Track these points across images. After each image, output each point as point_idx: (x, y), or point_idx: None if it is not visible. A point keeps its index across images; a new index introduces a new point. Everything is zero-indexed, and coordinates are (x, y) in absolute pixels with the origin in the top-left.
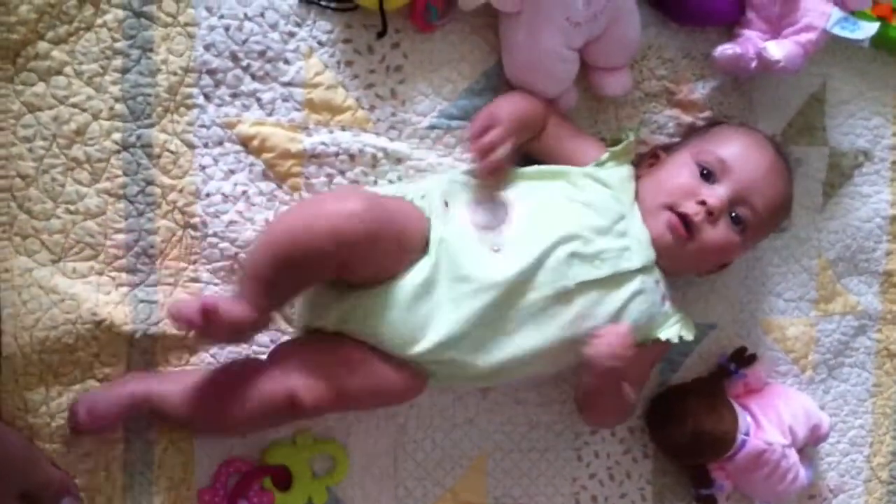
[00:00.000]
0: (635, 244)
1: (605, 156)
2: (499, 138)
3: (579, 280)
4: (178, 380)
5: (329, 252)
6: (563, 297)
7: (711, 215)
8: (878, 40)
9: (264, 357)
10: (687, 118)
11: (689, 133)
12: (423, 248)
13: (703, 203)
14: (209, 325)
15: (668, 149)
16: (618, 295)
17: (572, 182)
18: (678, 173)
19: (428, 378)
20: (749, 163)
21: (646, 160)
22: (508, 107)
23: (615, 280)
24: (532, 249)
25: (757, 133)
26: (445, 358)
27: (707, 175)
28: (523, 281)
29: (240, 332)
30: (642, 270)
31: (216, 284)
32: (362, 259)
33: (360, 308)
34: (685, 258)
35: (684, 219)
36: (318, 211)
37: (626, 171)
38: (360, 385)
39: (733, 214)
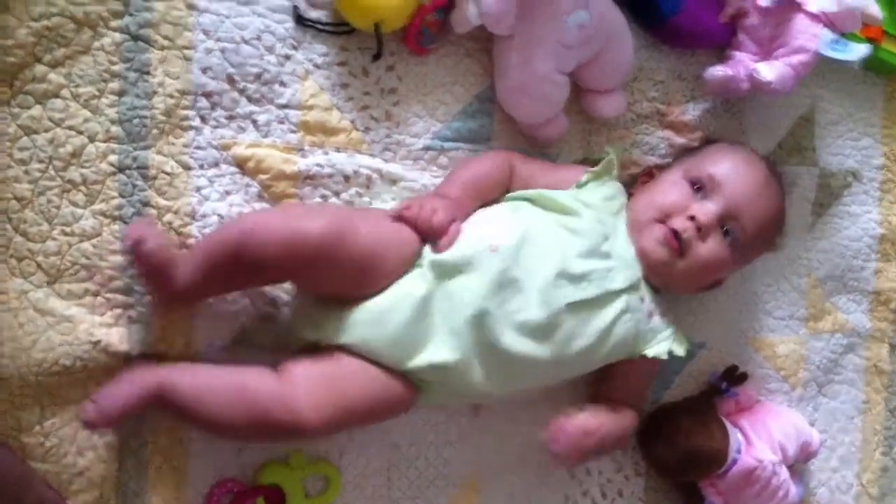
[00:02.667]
0: (619, 264)
1: (586, 177)
2: (446, 220)
3: (568, 301)
4: (189, 374)
5: (275, 261)
6: (552, 318)
7: (700, 231)
8: (867, 61)
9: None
10: (679, 139)
11: (683, 153)
12: (408, 266)
13: (692, 218)
14: (137, 254)
15: (663, 168)
16: (604, 314)
17: (556, 207)
18: (669, 189)
19: (418, 391)
20: (739, 179)
21: (640, 179)
22: (462, 178)
23: (601, 300)
24: (522, 265)
25: (749, 151)
26: (439, 376)
27: (698, 191)
28: (508, 291)
29: (160, 287)
30: (627, 290)
31: (211, 304)
32: (314, 277)
33: (357, 323)
34: (676, 275)
35: (674, 233)
36: (282, 218)
37: (610, 188)
38: (362, 395)
39: (724, 230)
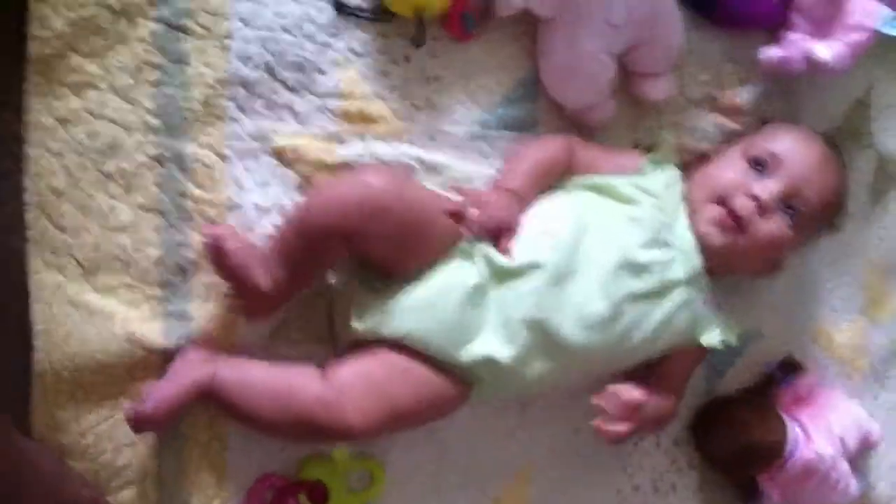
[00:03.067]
0: (679, 255)
1: (646, 163)
2: (504, 221)
3: (628, 292)
4: (237, 371)
5: (338, 218)
6: (612, 309)
7: (761, 209)
8: None
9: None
10: (731, 124)
11: (736, 136)
12: (455, 241)
13: (754, 197)
14: (217, 260)
15: (719, 152)
16: (664, 305)
17: (616, 196)
18: (727, 168)
19: (472, 386)
20: (800, 155)
21: (696, 163)
22: (523, 166)
23: (661, 291)
24: (581, 256)
25: (806, 127)
26: (492, 370)
27: (758, 169)
28: (565, 284)
29: (245, 290)
30: (687, 280)
31: None
32: (380, 235)
33: (405, 312)
34: (736, 253)
35: (732, 213)
36: (340, 182)
37: (668, 175)
38: (410, 397)
39: (787, 207)
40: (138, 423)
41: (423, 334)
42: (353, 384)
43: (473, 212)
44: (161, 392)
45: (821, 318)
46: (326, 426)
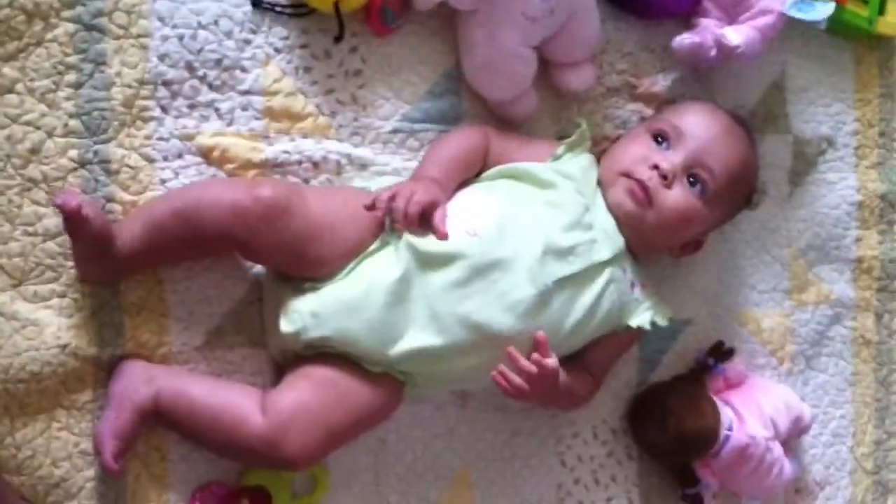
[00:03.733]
0: (601, 235)
1: (561, 149)
2: (425, 202)
3: (556, 277)
4: (178, 386)
5: (220, 226)
6: (542, 295)
7: (665, 179)
8: (833, 25)
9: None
10: (650, 111)
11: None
12: (369, 242)
13: (655, 167)
14: (74, 221)
15: None
16: (592, 288)
17: (534, 181)
18: (631, 143)
19: (405, 386)
20: (702, 126)
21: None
22: (440, 157)
23: (587, 274)
24: (507, 244)
25: (711, 103)
26: (424, 364)
27: (661, 142)
28: (495, 271)
29: (97, 256)
30: (612, 261)
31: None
32: (259, 247)
33: (331, 314)
34: (650, 229)
35: (639, 183)
36: (230, 184)
37: (584, 159)
38: (347, 418)
39: (690, 179)
40: (107, 471)
41: (350, 336)
42: (292, 419)
43: (398, 204)
44: (110, 429)
45: (748, 303)
46: (268, 460)
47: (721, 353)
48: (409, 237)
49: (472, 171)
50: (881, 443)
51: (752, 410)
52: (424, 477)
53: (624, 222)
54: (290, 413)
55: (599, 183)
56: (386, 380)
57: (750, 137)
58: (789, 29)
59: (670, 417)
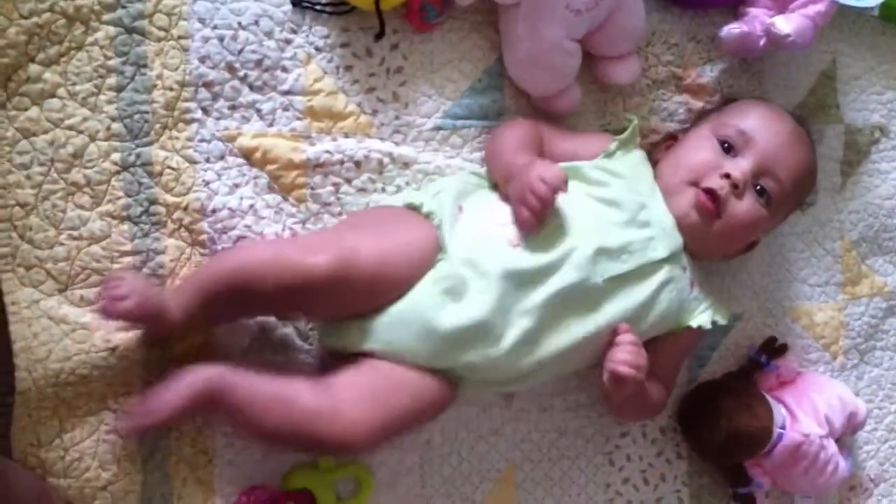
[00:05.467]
0: (659, 232)
1: (613, 145)
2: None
3: (607, 276)
4: (240, 378)
5: (279, 301)
6: (593, 293)
7: (737, 188)
8: (885, 12)
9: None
10: (697, 103)
11: (704, 114)
12: (424, 270)
13: (727, 176)
14: (119, 314)
15: (686, 132)
16: (646, 286)
17: (585, 179)
18: (698, 148)
19: (458, 386)
20: (770, 132)
21: (662, 144)
22: (510, 148)
23: (643, 272)
24: (556, 246)
25: (774, 104)
26: (475, 357)
27: (728, 148)
28: (544, 276)
29: (155, 328)
30: (669, 259)
31: None
32: (323, 306)
33: (380, 328)
34: (713, 237)
35: (710, 194)
36: (283, 258)
37: (636, 156)
38: (406, 403)
39: (758, 187)
40: (139, 422)
41: (400, 348)
42: (353, 396)
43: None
44: (160, 393)
45: (800, 298)
46: (326, 438)
47: (773, 349)
48: (451, 257)
49: (538, 155)
50: None
51: (805, 408)
52: (470, 478)
53: (686, 229)
54: (348, 391)
55: (657, 180)
56: (440, 376)
57: (811, 140)
58: (840, 16)
59: (722, 417)
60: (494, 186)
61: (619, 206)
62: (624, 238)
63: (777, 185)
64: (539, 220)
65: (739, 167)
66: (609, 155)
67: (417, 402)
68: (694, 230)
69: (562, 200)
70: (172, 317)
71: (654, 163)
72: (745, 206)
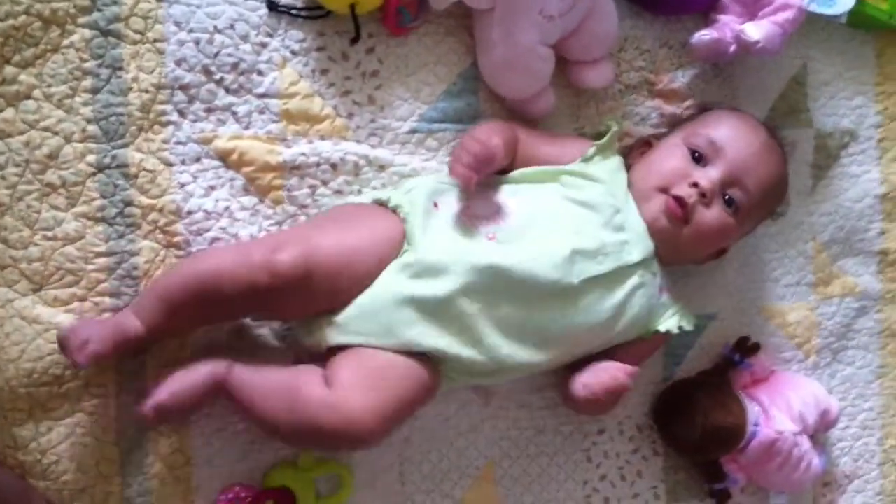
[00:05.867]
0: (633, 237)
1: (591, 150)
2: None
3: (584, 277)
4: (252, 370)
5: (243, 300)
6: (568, 293)
7: (704, 197)
8: (854, 18)
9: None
10: (669, 108)
11: (677, 122)
12: (395, 253)
13: (695, 185)
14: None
15: (660, 137)
16: (620, 290)
17: (563, 182)
18: (669, 156)
19: (440, 372)
20: (740, 144)
21: (637, 149)
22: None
23: (617, 275)
24: (531, 244)
25: (748, 115)
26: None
27: (698, 158)
28: (520, 273)
29: (128, 349)
30: (642, 263)
31: None
32: (290, 304)
33: (349, 321)
34: (682, 244)
35: (678, 201)
36: (242, 257)
37: (614, 162)
38: (405, 386)
39: (726, 196)
40: (156, 413)
41: (371, 338)
42: (354, 384)
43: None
44: (177, 380)
45: (773, 297)
46: (336, 428)
47: (746, 347)
48: (418, 246)
49: (506, 160)
50: None
51: (779, 405)
52: (449, 475)
53: (656, 235)
54: (350, 379)
55: (630, 185)
56: (421, 359)
57: (784, 153)
58: (809, 23)
59: (696, 414)
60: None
61: (595, 209)
62: (600, 240)
63: (745, 195)
64: (470, 172)
65: (708, 176)
66: (587, 160)
67: (411, 384)
68: (664, 235)
69: (540, 202)
70: (138, 333)
71: (628, 167)
72: (712, 215)
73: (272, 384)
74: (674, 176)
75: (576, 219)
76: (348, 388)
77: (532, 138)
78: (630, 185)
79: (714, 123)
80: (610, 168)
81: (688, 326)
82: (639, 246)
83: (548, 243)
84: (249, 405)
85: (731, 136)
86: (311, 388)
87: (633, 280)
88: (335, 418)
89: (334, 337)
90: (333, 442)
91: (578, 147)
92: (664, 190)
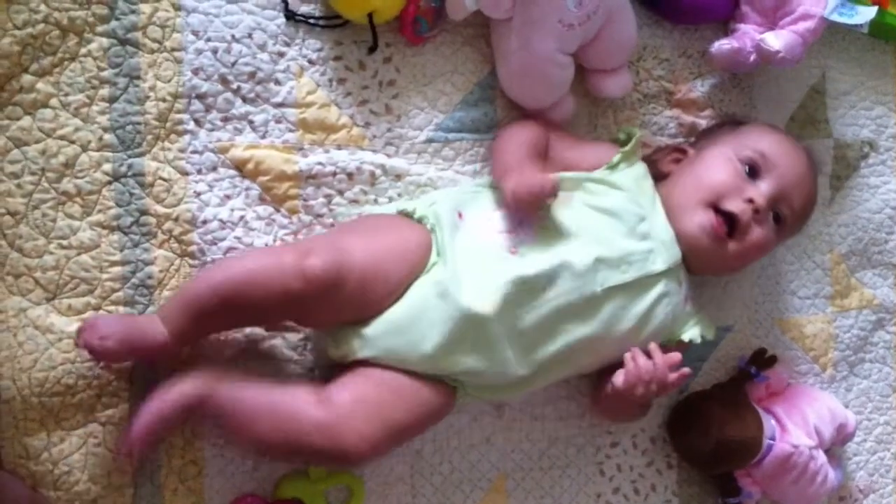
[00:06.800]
0: (659, 246)
1: (617, 157)
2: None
3: (607, 285)
4: (234, 390)
5: (273, 307)
6: (591, 302)
7: (758, 213)
8: (874, 28)
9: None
10: (688, 118)
11: (708, 133)
12: (423, 264)
13: (750, 201)
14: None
15: (695, 145)
16: (644, 299)
17: (587, 189)
18: (719, 169)
19: (455, 393)
20: (789, 159)
21: (665, 156)
22: (515, 152)
23: (641, 284)
24: (554, 254)
25: (788, 134)
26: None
27: (751, 171)
28: (544, 284)
29: (148, 356)
30: (667, 273)
31: None
32: (319, 311)
33: (377, 336)
34: (720, 258)
35: (729, 217)
36: (274, 262)
37: (638, 169)
38: (405, 413)
39: (774, 212)
40: (124, 444)
41: (399, 354)
42: (352, 408)
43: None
44: (146, 408)
45: (789, 309)
46: (325, 451)
47: (763, 360)
48: (448, 262)
49: (541, 160)
50: None
51: (795, 419)
52: (461, 487)
53: (692, 246)
54: (348, 404)
55: (659, 193)
56: (439, 383)
57: (816, 170)
58: (829, 33)
59: (711, 427)
60: (493, 191)
61: (619, 218)
62: (624, 249)
63: (791, 211)
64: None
65: (761, 192)
66: (612, 167)
67: (417, 410)
68: (701, 249)
69: (563, 210)
70: (162, 340)
71: (657, 175)
72: (761, 232)
73: (262, 404)
74: (726, 189)
75: (599, 227)
76: (346, 413)
77: (561, 143)
78: (662, 194)
79: (761, 137)
80: (635, 175)
81: (709, 336)
82: (664, 255)
83: (571, 252)
84: (236, 425)
85: (780, 151)
86: (305, 409)
87: (658, 289)
88: (328, 443)
89: (362, 350)
90: (324, 463)
91: (604, 153)
92: (712, 204)
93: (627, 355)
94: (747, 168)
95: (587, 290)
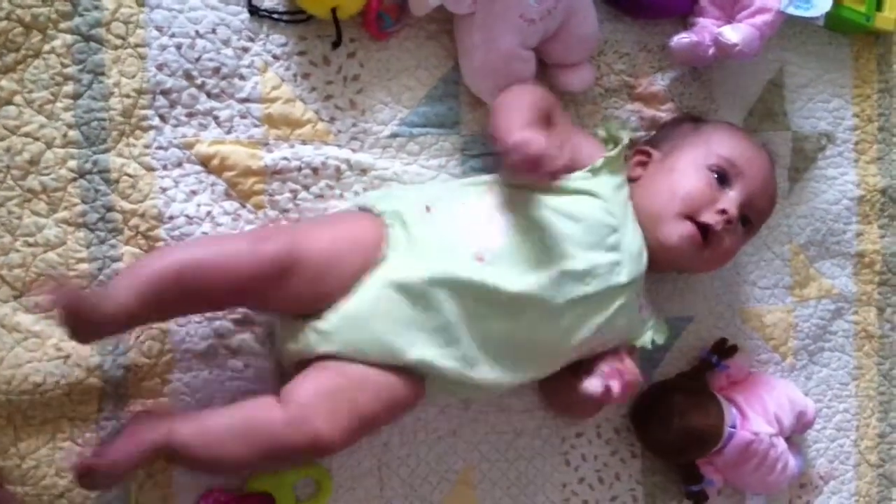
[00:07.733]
0: (626, 258)
1: (600, 162)
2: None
3: (569, 297)
4: (194, 423)
5: (229, 288)
6: (553, 312)
7: (730, 223)
8: (831, 21)
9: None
10: (649, 111)
11: (668, 127)
12: (377, 255)
13: (723, 212)
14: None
15: (653, 144)
16: (605, 310)
17: (563, 190)
18: (693, 178)
19: (423, 383)
20: (755, 165)
21: (631, 160)
22: (528, 105)
23: (603, 295)
24: (520, 266)
25: (743, 130)
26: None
27: (720, 179)
28: (508, 293)
29: (87, 318)
30: (629, 285)
31: None
32: (272, 297)
33: (335, 330)
34: (692, 264)
35: (703, 227)
36: (229, 244)
37: (619, 179)
38: (373, 401)
39: (742, 219)
40: (86, 474)
41: (358, 347)
42: (315, 400)
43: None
44: (115, 448)
45: (750, 300)
46: (299, 446)
47: (724, 349)
48: (402, 255)
49: (547, 128)
50: (885, 436)
51: (755, 407)
52: (428, 479)
53: (667, 254)
54: (311, 396)
55: (632, 201)
56: (406, 373)
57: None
58: (787, 26)
59: (674, 416)
60: (469, 192)
61: (590, 228)
62: (591, 261)
63: (757, 214)
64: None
65: (732, 201)
66: (595, 170)
67: (384, 397)
68: (678, 256)
69: (534, 215)
70: (105, 308)
71: (629, 179)
72: (733, 238)
73: (226, 425)
74: (700, 200)
75: (568, 237)
76: (311, 404)
77: (562, 122)
78: (633, 201)
79: (724, 142)
80: (614, 184)
81: (659, 340)
82: (629, 267)
83: (537, 263)
84: (207, 455)
85: (746, 157)
86: (268, 414)
87: (620, 300)
88: (300, 436)
89: (321, 346)
90: (302, 458)
91: (592, 149)
92: (689, 216)
93: (606, 368)
94: (716, 176)
95: (550, 302)
